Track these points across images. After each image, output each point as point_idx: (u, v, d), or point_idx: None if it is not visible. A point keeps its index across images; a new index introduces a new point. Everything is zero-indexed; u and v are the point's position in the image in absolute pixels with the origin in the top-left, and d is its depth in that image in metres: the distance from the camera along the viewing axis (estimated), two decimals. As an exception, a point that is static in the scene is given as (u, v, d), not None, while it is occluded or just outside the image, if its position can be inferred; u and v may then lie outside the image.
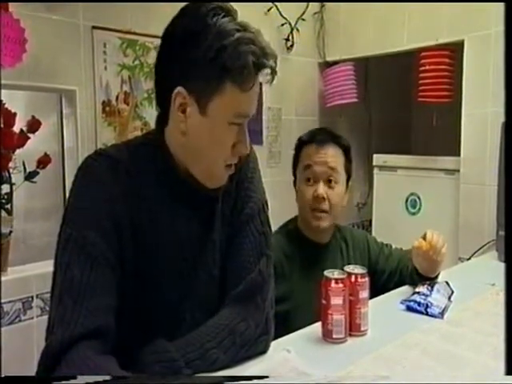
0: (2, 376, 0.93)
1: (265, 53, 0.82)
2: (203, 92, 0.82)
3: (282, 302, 1.26)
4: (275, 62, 0.85)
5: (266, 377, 0.81)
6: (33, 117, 1.76)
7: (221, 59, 0.79)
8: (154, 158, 0.89)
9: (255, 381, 0.78)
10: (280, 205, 1.72)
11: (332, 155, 1.36)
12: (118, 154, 0.88)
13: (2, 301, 1.62)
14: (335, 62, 2.79)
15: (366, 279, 1.08)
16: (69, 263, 0.79)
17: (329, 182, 1.36)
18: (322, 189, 1.34)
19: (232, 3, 0.86)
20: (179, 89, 0.82)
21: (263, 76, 0.85)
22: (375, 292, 1.27)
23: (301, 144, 1.43)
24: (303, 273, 1.35)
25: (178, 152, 0.89)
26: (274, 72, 0.85)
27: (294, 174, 1.45)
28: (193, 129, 0.85)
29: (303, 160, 1.39)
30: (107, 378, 0.71)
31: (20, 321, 1.72)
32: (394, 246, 1.53)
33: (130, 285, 0.86)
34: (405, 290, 1.36)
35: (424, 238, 1.30)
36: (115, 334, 0.80)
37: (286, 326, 1.10)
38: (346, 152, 1.40)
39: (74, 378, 0.71)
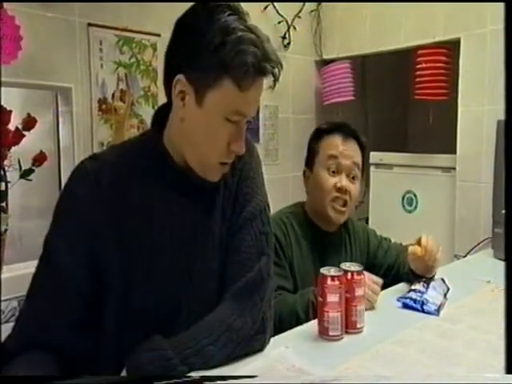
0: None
1: (267, 57, 0.82)
2: (201, 83, 0.83)
3: (286, 280, 1.29)
4: (278, 69, 0.85)
5: (255, 376, 0.80)
6: (28, 114, 1.75)
7: (220, 54, 0.80)
8: (148, 150, 0.91)
9: (248, 380, 0.78)
10: (276, 203, 1.72)
11: (355, 150, 1.38)
12: (110, 155, 0.91)
13: (-2, 299, 1.61)
14: (332, 60, 2.79)
15: (362, 276, 1.08)
16: (37, 272, 0.86)
17: (350, 177, 1.37)
18: (345, 180, 1.35)
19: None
20: (179, 76, 0.84)
21: (265, 80, 0.86)
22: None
23: (320, 133, 1.42)
24: (308, 257, 1.36)
25: (176, 141, 0.90)
26: (275, 79, 0.86)
27: (307, 163, 1.44)
28: (189, 118, 0.86)
29: (326, 149, 1.38)
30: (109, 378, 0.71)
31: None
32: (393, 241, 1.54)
33: (126, 280, 0.86)
34: (401, 288, 1.36)
35: (418, 242, 1.30)
36: (77, 351, 0.84)
37: None
38: (364, 150, 1.41)
39: (77, 377, 0.71)
